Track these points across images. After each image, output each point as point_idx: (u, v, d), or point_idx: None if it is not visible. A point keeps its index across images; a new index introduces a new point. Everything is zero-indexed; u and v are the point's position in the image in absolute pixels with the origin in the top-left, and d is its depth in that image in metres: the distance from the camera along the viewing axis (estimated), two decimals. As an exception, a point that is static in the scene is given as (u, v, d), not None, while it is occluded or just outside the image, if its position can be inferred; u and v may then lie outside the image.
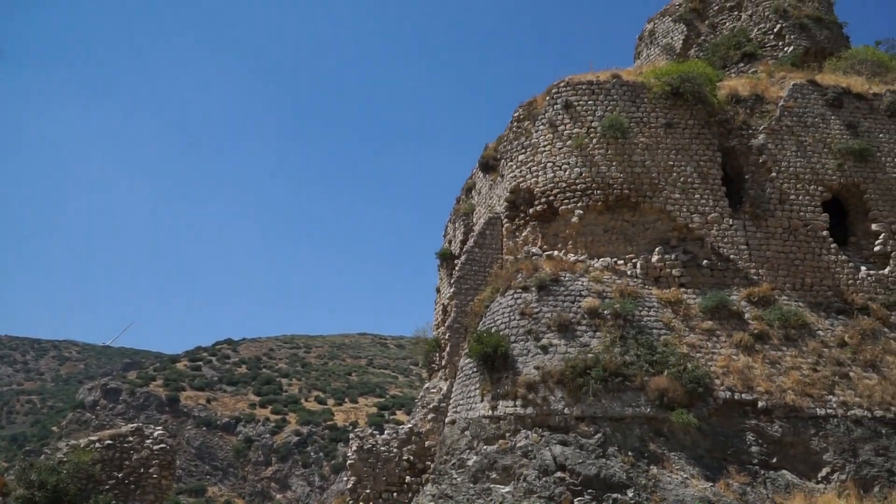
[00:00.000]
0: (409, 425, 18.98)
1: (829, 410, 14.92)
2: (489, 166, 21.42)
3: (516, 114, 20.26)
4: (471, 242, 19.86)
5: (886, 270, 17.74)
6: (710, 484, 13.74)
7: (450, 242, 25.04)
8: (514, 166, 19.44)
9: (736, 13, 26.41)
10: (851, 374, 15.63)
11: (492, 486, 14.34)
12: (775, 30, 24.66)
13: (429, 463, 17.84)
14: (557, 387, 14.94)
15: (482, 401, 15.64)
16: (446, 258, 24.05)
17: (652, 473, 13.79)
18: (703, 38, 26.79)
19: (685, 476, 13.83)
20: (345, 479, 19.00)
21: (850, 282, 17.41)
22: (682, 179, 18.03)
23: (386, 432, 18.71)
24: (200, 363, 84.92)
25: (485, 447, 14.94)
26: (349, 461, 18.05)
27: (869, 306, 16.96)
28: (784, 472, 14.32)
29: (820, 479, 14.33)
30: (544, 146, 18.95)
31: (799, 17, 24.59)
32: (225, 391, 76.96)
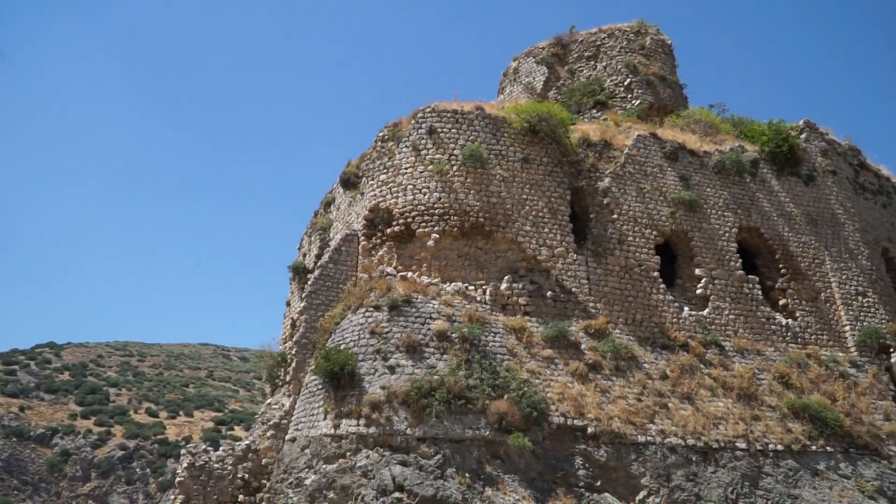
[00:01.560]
0: (247, 442, 18.30)
1: (648, 438, 16.12)
2: (350, 183, 21.38)
3: (381, 133, 20.43)
4: (326, 258, 19.65)
5: (705, 312, 19.55)
6: (540, 505, 14.34)
7: (304, 256, 24.61)
8: (376, 185, 19.54)
9: (592, 63, 28.35)
10: (670, 404, 17.00)
11: (328, 506, 14.11)
12: (626, 83, 26.71)
13: (265, 481, 17.27)
14: (402, 407, 15.04)
15: (325, 419, 15.41)
16: (299, 272, 23.60)
17: (487, 495, 14.19)
18: (562, 81, 28.48)
19: (517, 498, 14.35)
20: (172, 497, 17.91)
21: (675, 320, 19.00)
22: (533, 213, 18.93)
23: (221, 448, 17.90)
24: (16, 367, 77.01)
25: (324, 466, 14.71)
26: (178, 478, 17.06)
27: (689, 343, 18.56)
28: (606, 494, 15.24)
29: (637, 502, 15.38)
30: (406, 168, 19.23)
31: (647, 74, 26.80)
32: (42, 399, 70.22)
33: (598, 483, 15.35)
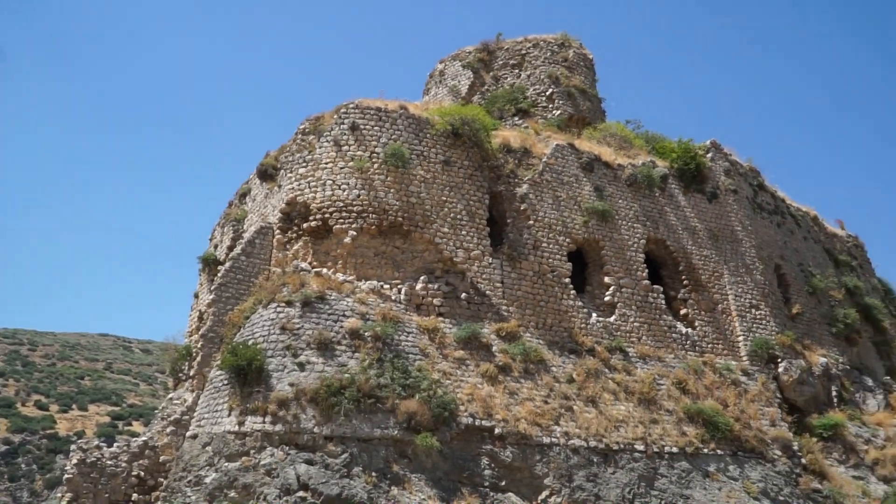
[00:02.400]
0: (145, 438, 17.60)
1: (553, 439, 16.54)
2: (268, 174, 20.92)
3: (302, 126, 20.10)
4: (238, 250, 19.14)
5: (612, 318, 20.25)
6: (445, 505, 14.46)
7: (216, 247, 23.90)
8: (294, 178, 19.21)
9: (517, 71, 28.86)
10: (575, 407, 17.51)
11: (229, 504, 13.74)
12: (547, 93, 27.33)
13: (162, 480, 16.67)
14: (310, 405, 14.84)
15: (230, 415, 15.01)
16: (210, 263, 22.89)
17: (392, 494, 14.19)
18: (486, 87, 28.87)
19: (423, 497, 14.42)
20: (59, 495, 17.00)
21: (583, 325, 19.59)
22: (452, 215, 19.09)
23: (115, 444, 17.14)
24: None
25: (226, 464, 14.32)
26: (66, 475, 16.21)
27: (595, 349, 19.17)
28: (510, 494, 15.54)
29: (540, 502, 15.75)
30: (326, 163, 19.00)
31: (568, 86, 27.52)
32: (-84, 389, 65.19)
33: (503, 483, 15.63)
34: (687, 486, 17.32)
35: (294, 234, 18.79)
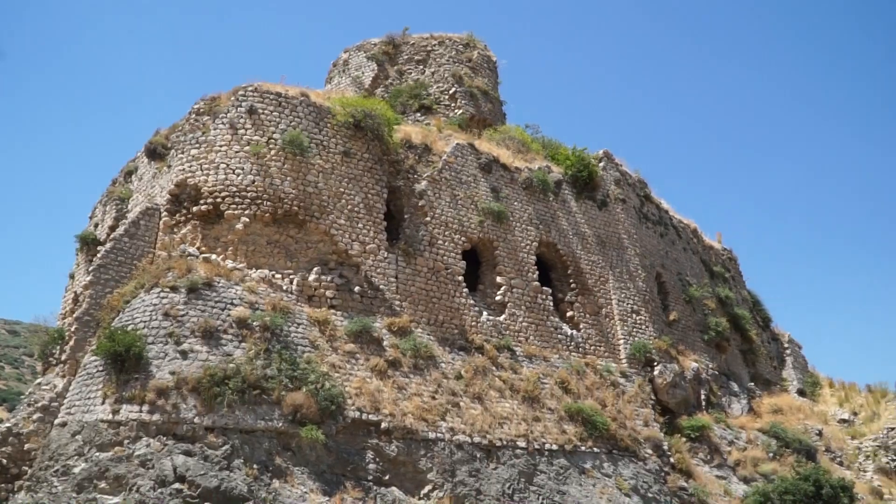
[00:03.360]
0: (9, 424, 16.42)
1: (438, 434, 16.74)
2: (157, 153, 19.99)
3: (197, 106, 19.33)
4: (121, 230, 18.17)
5: (502, 318, 20.72)
6: (327, 499, 14.33)
7: (96, 226, 22.58)
8: (185, 159, 18.43)
9: (421, 67, 28.98)
10: (461, 403, 17.79)
11: (98, 496, 13.03)
12: (450, 92, 27.61)
13: (26, 468, 15.61)
14: (192, 395, 14.30)
15: (103, 403, 14.23)
16: (88, 242, 21.61)
17: (274, 487, 13.91)
18: (390, 80, 28.80)
19: (305, 490, 14.23)
20: None
21: (474, 323, 19.94)
22: (349, 207, 18.92)
23: (-28, 433, 15.87)
24: None
25: (97, 454, 13.56)
26: (-88, 465, 14.86)
27: (484, 346, 19.56)
28: (394, 488, 15.59)
29: (422, 496, 15.90)
30: (221, 146, 18.36)
31: (471, 86, 27.92)
32: None
33: (387, 477, 15.66)
34: (564, 482, 17.98)
35: (182, 218, 18.04)
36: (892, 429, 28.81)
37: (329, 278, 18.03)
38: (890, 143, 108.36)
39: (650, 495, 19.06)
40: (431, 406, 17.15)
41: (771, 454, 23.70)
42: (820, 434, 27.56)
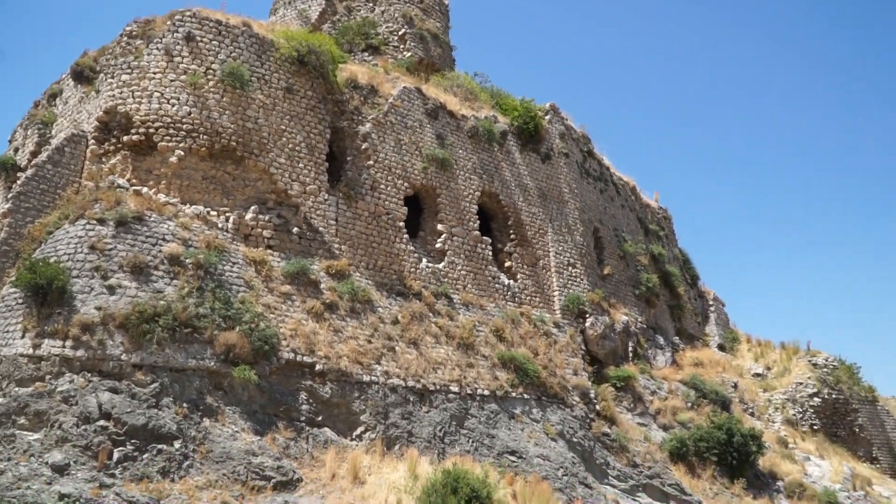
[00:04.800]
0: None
1: (373, 378, 16.83)
2: (84, 77, 18.87)
3: (129, 28, 18.22)
4: (44, 157, 17.18)
5: (441, 265, 20.76)
6: (259, 438, 14.29)
7: (16, 151, 21.33)
8: (116, 85, 17.44)
9: (371, 5, 28.06)
10: (397, 348, 17.89)
11: (17, 432, 12.61)
12: (400, 33, 26.90)
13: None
14: (119, 331, 13.87)
15: (23, 337, 13.65)
16: (7, 168, 20.40)
17: (204, 426, 13.76)
18: (338, 16, 27.83)
19: (236, 429, 14.14)
20: None
21: (412, 269, 19.92)
22: (290, 146, 18.39)
23: None
24: None
25: (16, 389, 13.07)
26: None
27: (422, 293, 19.61)
28: (326, 429, 15.67)
29: (354, 437, 16.05)
30: (155, 73, 17.42)
31: (421, 28, 27.25)
32: None
33: (320, 418, 15.71)
34: (494, 426, 18.44)
35: (112, 147, 17.18)
36: (801, 383, 30.63)
37: (267, 218, 17.61)
38: (817, 106, 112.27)
39: (575, 440, 19.77)
40: (367, 349, 17.18)
41: (689, 404, 24.89)
42: (735, 386, 29.07)
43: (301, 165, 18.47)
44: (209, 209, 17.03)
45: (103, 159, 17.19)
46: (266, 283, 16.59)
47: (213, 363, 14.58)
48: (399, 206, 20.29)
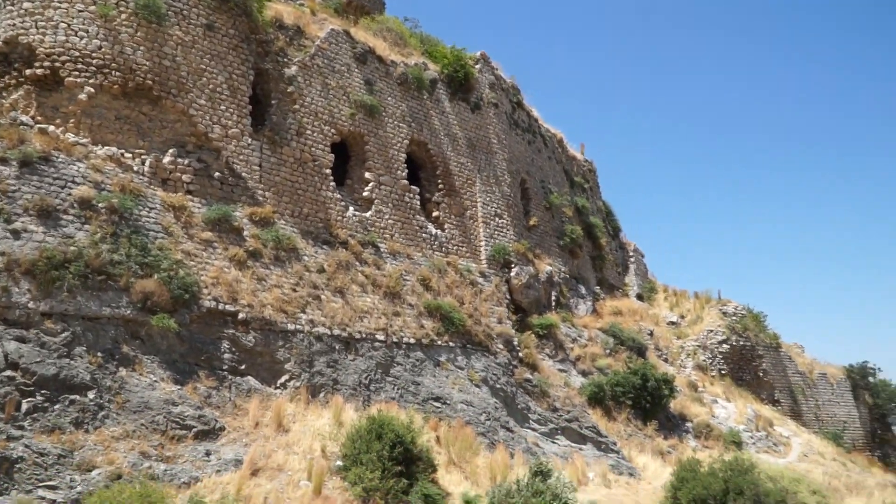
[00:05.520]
0: None
1: (298, 326, 16.67)
2: (-18, 4, 17.34)
3: (31, -48, 16.80)
4: (-63, 90, 15.86)
5: (368, 214, 20.55)
6: (179, 387, 14.00)
7: None
8: (16, 13, 16.12)
9: (296, -60, 26.77)
10: (323, 297, 17.73)
11: (-86, 384, 11.92)
12: (327, -29, 25.84)
13: None
14: (25, 278, 13.16)
15: (-82, 284, 12.79)
16: None
17: (120, 375, 13.35)
18: (261, -49, 26.43)
19: (155, 379, 13.79)
20: None
21: (339, 218, 19.64)
22: (211, 86, 17.60)
23: None
24: None
25: (-88, 339, 12.30)
26: None
27: (349, 242, 19.41)
28: (249, 378, 15.50)
29: (279, 386, 15.95)
30: (61, 2, 16.20)
31: (349, -32, 26.25)
32: None
33: (243, 367, 15.51)
34: (419, 373, 18.67)
35: (13, 81, 15.99)
36: (711, 331, 32.27)
37: (186, 162, 16.91)
38: (735, 65, 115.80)
39: (498, 386, 20.28)
40: (292, 298, 16.96)
41: (608, 351, 25.87)
42: (651, 334, 30.36)
43: (223, 108, 17.74)
44: (123, 151, 16.20)
45: (4, 94, 16.02)
46: (186, 230, 16.03)
47: (129, 311, 14.08)
48: (326, 152, 19.85)
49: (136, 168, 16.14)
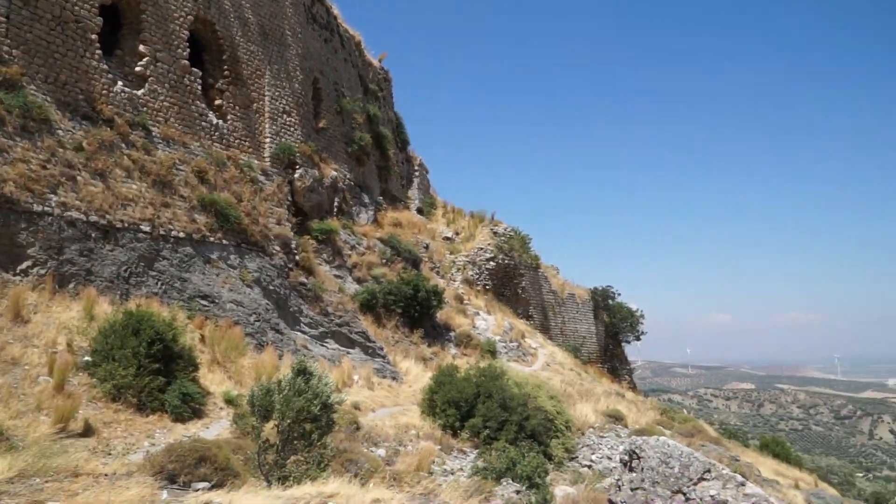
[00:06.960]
0: None
1: (46, 208, 14.85)
2: None
3: None
4: None
5: (140, 92, 18.57)
6: None
7: None
8: None
9: None
10: (79, 178, 15.91)
11: None
12: None
13: None
14: None
15: None
16: None
17: None
18: None
19: None
20: None
21: (105, 92, 17.52)
22: None
23: None
24: None
25: None
26: None
27: (115, 120, 17.45)
28: (-19, 262, 13.64)
29: (19, 272, 14.23)
30: None
31: None
32: None
33: (-27, 249, 13.57)
34: (187, 269, 17.74)
35: None
36: (481, 248, 34.48)
37: None
38: None
39: (272, 287, 20.00)
40: (41, 176, 14.99)
41: (384, 260, 26.58)
42: (427, 247, 31.68)
43: (-43, -63, 14.66)
44: None
45: None
46: None
47: None
48: (92, 14, 17.38)
49: None
